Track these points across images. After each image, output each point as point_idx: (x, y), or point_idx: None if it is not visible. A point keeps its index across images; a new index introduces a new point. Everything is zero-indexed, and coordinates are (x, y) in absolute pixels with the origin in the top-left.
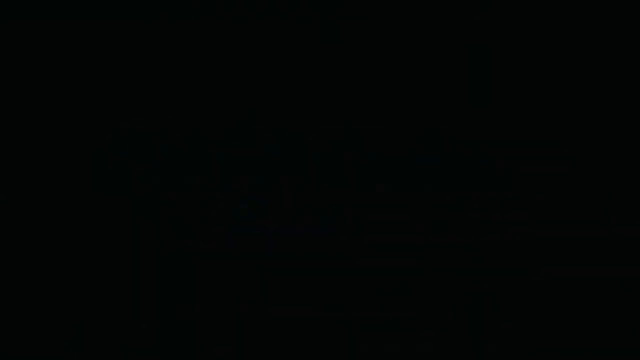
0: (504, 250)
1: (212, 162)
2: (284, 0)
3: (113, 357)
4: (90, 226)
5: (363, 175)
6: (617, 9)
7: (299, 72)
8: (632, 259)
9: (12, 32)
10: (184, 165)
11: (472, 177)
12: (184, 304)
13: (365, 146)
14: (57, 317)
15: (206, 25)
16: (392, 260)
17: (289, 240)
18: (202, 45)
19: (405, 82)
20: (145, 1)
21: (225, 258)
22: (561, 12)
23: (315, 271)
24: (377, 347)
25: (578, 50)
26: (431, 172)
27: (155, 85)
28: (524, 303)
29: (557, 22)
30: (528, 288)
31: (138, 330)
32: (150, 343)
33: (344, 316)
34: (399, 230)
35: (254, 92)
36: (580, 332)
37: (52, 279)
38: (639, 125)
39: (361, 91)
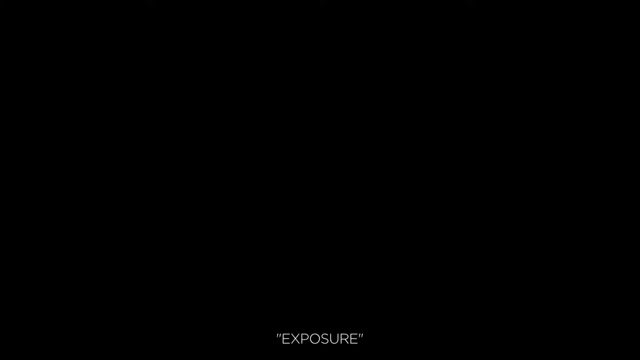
0: (504, 250)
1: (212, 162)
2: (284, 0)
3: (113, 357)
4: (90, 226)
5: (363, 175)
6: (617, 9)
7: (299, 72)
8: (632, 259)
9: (12, 32)
10: (184, 165)
11: (472, 176)
12: (183, 304)
13: (366, 146)
14: (57, 317)
15: (206, 25)
16: (392, 260)
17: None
18: (202, 45)
19: (405, 82)
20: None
21: (225, 258)
22: (561, 12)
23: (315, 271)
24: (377, 347)
25: (578, 50)
26: (431, 172)
27: (155, 85)
28: (523, 303)
29: (557, 22)
30: (528, 288)
31: (138, 330)
32: (150, 343)
33: (344, 316)
34: (399, 230)
35: (254, 92)
36: (580, 332)
37: (52, 279)
38: (639, 125)
39: (361, 91)
